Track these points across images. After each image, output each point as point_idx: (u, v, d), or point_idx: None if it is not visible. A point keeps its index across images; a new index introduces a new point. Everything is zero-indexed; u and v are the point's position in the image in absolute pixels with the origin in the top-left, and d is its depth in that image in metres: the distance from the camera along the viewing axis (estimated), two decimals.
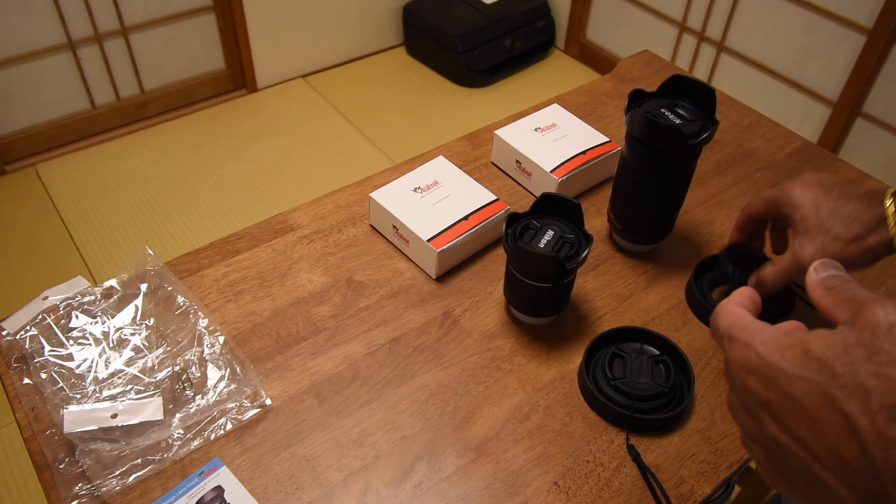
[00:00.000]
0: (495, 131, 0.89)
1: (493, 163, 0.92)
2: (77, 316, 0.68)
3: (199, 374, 0.65)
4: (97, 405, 0.61)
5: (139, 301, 0.70)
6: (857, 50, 1.99)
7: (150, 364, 0.65)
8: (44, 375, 0.63)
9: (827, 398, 0.31)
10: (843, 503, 0.32)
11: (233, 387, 0.64)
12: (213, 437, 0.62)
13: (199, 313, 0.69)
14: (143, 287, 0.71)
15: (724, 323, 0.38)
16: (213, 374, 0.65)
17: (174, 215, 2.09)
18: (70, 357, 0.65)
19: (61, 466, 0.58)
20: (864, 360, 0.31)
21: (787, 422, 0.33)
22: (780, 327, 0.35)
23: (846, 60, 2.03)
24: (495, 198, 0.80)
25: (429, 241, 0.74)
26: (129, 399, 0.62)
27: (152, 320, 0.69)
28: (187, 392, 0.64)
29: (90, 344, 0.66)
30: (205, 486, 0.58)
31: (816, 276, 0.37)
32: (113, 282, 0.72)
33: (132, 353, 0.66)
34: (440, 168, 0.84)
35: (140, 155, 2.30)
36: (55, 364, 0.64)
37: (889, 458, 0.30)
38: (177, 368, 0.65)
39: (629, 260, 0.80)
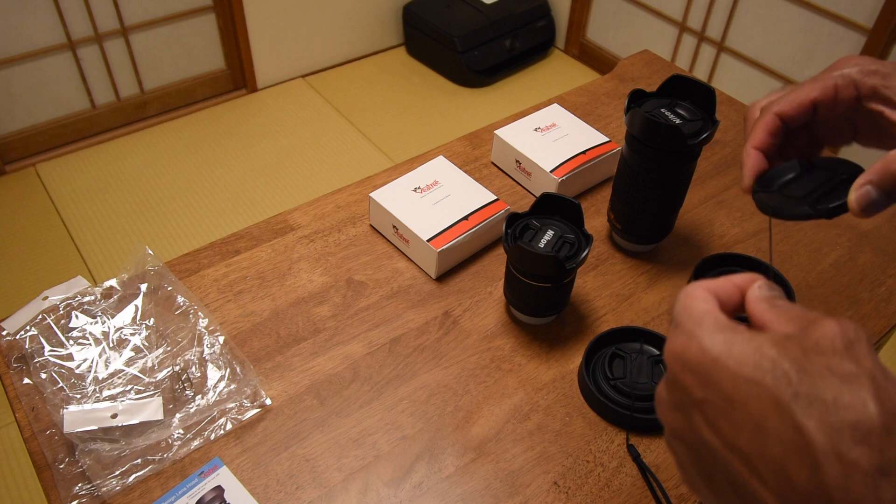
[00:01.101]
0: (495, 131, 0.89)
1: (493, 163, 0.92)
2: (77, 316, 0.68)
3: (199, 374, 0.65)
4: (97, 405, 0.61)
5: (139, 301, 0.70)
6: (857, 50, 1.99)
7: (150, 364, 0.65)
8: (44, 375, 0.63)
9: (777, 406, 0.27)
10: None
11: (233, 387, 0.64)
12: (213, 437, 0.62)
13: (199, 313, 0.69)
14: (143, 287, 0.71)
15: (677, 306, 0.33)
16: (213, 374, 0.65)
17: (174, 215, 2.10)
18: (70, 357, 0.65)
19: (61, 466, 0.58)
20: (823, 371, 0.27)
21: (724, 427, 0.29)
22: (727, 324, 0.31)
23: None
24: (495, 198, 0.80)
25: (429, 241, 0.74)
26: (129, 399, 0.62)
27: (152, 320, 0.69)
28: (187, 392, 0.64)
29: (90, 344, 0.66)
30: (205, 486, 0.58)
31: (760, 293, 0.33)
32: (113, 282, 0.72)
33: (132, 353, 0.66)
34: (440, 168, 0.84)
35: (140, 155, 2.30)
36: (55, 364, 0.64)
37: (847, 487, 0.25)
38: (177, 368, 0.65)
39: (629, 260, 0.80)
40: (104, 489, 0.57)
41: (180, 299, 0.70)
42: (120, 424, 0.60)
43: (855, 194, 0.38)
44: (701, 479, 0.32)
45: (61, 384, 0.63)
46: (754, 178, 0.48)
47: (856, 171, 0.45)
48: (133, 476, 0.58)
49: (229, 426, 0.62)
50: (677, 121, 0.70)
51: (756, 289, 0.33)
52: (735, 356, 0.29)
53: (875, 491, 0.25)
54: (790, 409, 0.27)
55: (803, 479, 0.26)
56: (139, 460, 0.59)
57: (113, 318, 0.69)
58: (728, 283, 0.34)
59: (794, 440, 0.26)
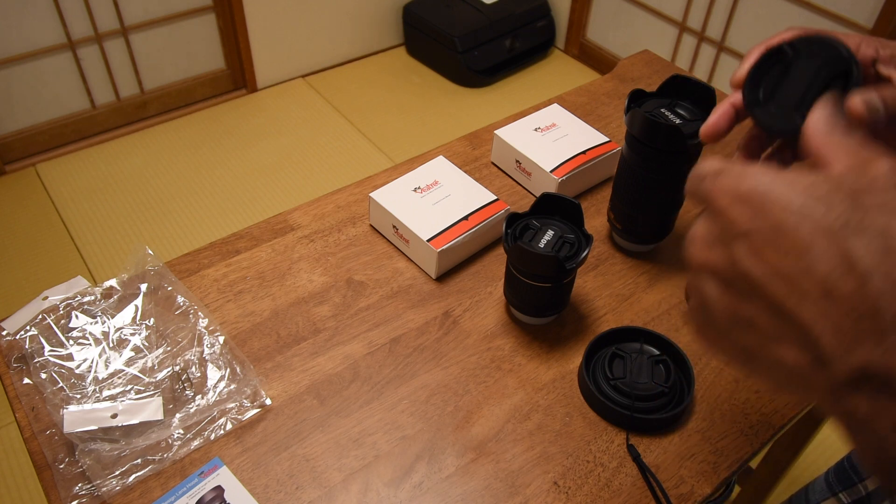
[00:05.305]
0: (495, 131, 0.89)
1: (493, 163, 0.92)
2: (77, 316, 0.68)
3: (199, 374, 0.65)
4: (97, 405, 0.61)
5: (139, 301, 0.70)
6: None
7: (150, 364, 0.65)
8: (44, 375, 0.63)
9: (827, 232, 0.29)
10: (812, 340, 0.29)
11: (233, 387, 0.64)
12: (213, 437, 0.62)
13: (199, 313, 0.69)
14: (143, 287, 0.71)
15: (713, 165, 0.34)
16: (213, 374, 0.65)
17: (174, 215, 2.10)
18: (70, 357, 0.65)
19: (61, 466, 0.58)
20: (876, 206, 0.29)
21: (769, 254, 0.30)
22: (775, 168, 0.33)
23: None
24: (495, 198, 0.80)
25: (429, 241, 0.74)
26: (129, 399, 0.62)
27: (152, 320, 0.69)
28: (187, 392, 0.64)
29: (90, 344, 0.66)
30: (205, 486, 0.58)
31: (823, 118, 0.34)
32: (113, 282, 0.72)
33: (132, 353, 0.66)
34: (440, 168, 0.84)
35: (140, 155, 2.30)
36: (55, 364, 0.64)
37: None
38: (177, 368, 0.65)
39: (629, 260, 0.80)
40: (104, 489, 0.57)
41: (180, 299, 0.70)
42: (120, 424, 0.60)
43: (861, 97, 0.37)
44: (727, 312, 0.33)
45: (61, 384, 0.63)
46: (751, 67, 0.46)
47: (840, 66, 0.41)
48: (133, 476, 0.58)
49: (229, 426, 0.62)
50: (677, 121, 0.70)
51: (820, 112, 0.34)
52: (786, 190, 0.30)
53: None
54: (839, 234, 0.28)
55: (848, 290, 0.28)
56: (139, 460, 0.59)
57: (113, 318, 0.69)
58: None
59: (841, 258, 0.28)
